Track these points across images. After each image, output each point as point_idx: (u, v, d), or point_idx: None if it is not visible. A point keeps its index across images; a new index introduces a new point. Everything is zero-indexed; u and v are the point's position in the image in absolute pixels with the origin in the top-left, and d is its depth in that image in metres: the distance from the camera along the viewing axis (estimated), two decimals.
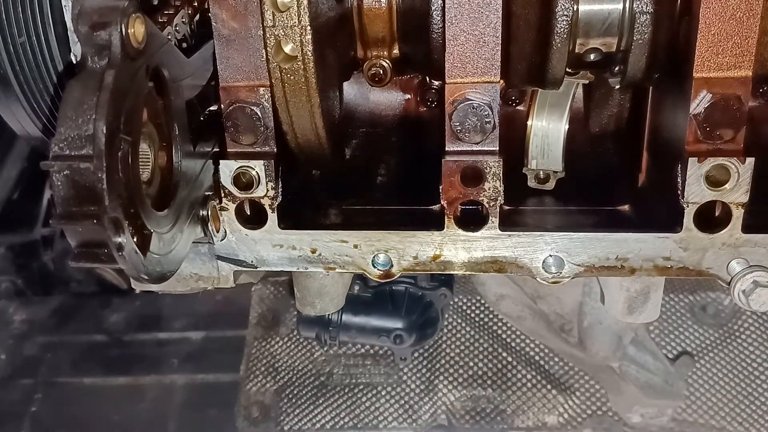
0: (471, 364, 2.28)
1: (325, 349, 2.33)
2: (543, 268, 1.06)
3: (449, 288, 2.23)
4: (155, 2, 1.07)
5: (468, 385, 2.24)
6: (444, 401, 2.22)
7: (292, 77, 0.99)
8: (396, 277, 1.08)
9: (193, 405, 2.26)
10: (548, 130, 1.21)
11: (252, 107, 1.02)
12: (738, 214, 0.99)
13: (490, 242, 1.06)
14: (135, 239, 0.82)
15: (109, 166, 0.77)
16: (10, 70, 0.97)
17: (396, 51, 1.12)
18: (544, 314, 2.22)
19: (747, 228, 1.00)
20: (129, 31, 0.82)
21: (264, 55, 0.98)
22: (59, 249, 2.63)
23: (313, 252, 1.09)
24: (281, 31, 0.96)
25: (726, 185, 0.97)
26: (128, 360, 2.40)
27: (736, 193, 0.98)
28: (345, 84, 1.26)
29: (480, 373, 2.26)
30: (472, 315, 2.37)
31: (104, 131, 0.76)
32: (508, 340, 2.32)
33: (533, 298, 2.22)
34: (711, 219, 1.01)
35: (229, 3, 0.97)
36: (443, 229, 1.05)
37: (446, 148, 1.02)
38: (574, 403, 2.19)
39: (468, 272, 1.08)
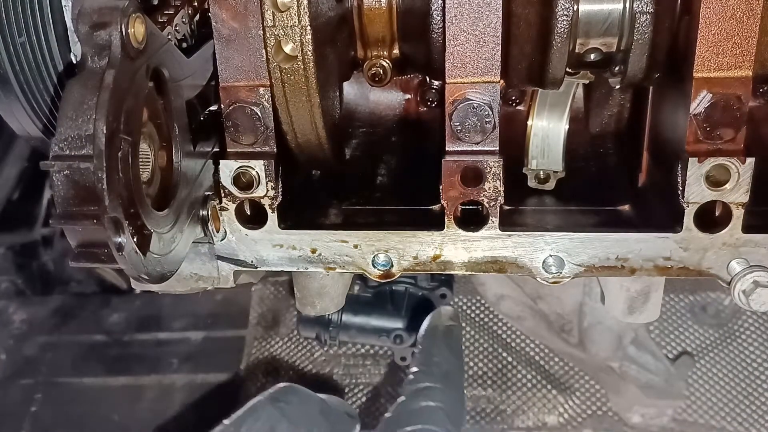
0: (471, 364, 2.27)
1: (325, 349, 2.33)
2: (543, 268, 1.06)
3: (449, 288, 2.23)
4: (155, 2, 1.07)
5: (468, 385, 2.24)
6: None
7: (292, 77, 0.99)
8: (396, 277, 1.08)
9: (193, 405, 2.26)
10: (548, 130, 1.21)
11: (252, 107, 1.02)
12: (738, 214, 0.99)
13: (490, 242, 1.06)
14: (135, 239, 0.82)
15: (109, 166, 0.77)
16: (10, 70, 0.97)
17: (396, 51, 1.12)
18: (544, 314, 2.22)
19: (747, 228, 1.00)
20: (129, 31, 0.82)
21: (264, 55, 0.98)
22: (59, 249, 2.63)
23: (313, 252, 1.09)
24: (281, 31, 0.96)
25: (726, 185, 0.97)
26: (128, 360, 2.40)
27: (737, 193, 0.98)
28: (345, 84, 1.26)
29: (480, 373, 2.26)
30: (472, 315, 2.37)
31: (104, 131, 0.76)
32: (508, 340, 2.32)
33: (533, 298, 2.22)
34: (711, 219, 1.01)
35: (229, 3, 0.97)
36: (443, 229, 1.05)
37: (446, 148, 1.02)
38: (574, 403, 2.19)
39: (468, 272, 1.08)
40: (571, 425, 2.16)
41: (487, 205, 1.03)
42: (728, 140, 0.97)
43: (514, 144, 1.21)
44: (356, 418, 0.92)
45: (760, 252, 1.01)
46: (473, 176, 1.01)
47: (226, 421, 0.80)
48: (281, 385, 0.85)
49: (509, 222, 1.07)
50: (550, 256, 1.06)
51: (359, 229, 1.08)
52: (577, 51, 1.02)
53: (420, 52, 1.09)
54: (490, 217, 1.04)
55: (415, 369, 0.94)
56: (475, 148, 1.01)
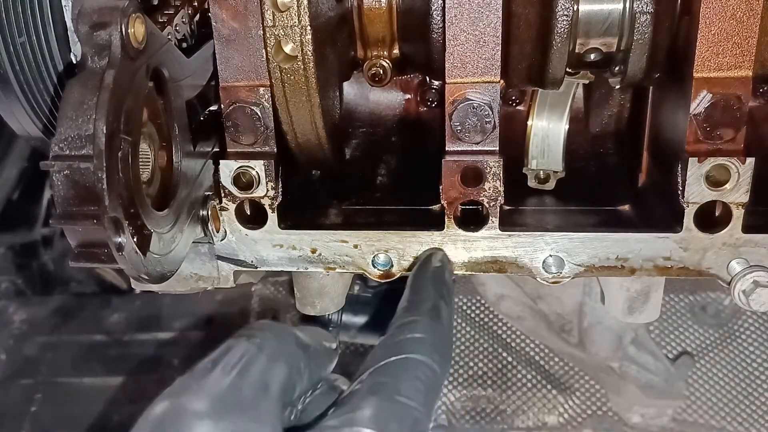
0: (471, 364, 2.27)
1: None
2: (543, 268, 1.06)
3: None
4: (155, 2, 1.07)
5: (468, 385, 2.24)
6: (444, 401, 2.21)
7: (292, 77, 0.99)
8: (396, 277, 1.08)
9: None
10: (548, 130, 1.21)
11: (252, 107, 1.02)
12: (738, 214, 0.99)
13: (490, 242, 1.06)
14: (135, 239, 0.82)
15: (109, 166, 0.77)
16: (10, 70, 0.97)
17: (396, 51, 1.12)
18: (544, 314, 2.22)
19: (747, 228, 1.00)
20: (129, 31, 0.82)
21: (264, 55, 0.98)
22: (59, 249, 2.63)
23: (313, 252, 1.09)
24: (281, 31, 0.96)
25: (726, 185, 0.97)
26: (128, 360, 2.40)
27: (737, 193, 0.98)
28: (345, 84, 1.26)
29: (480, 373, 2.26)
30: (472, 315, 2.37)
31: (104, 131, 0.76)
32: (508, 340, 2.32)
33: (533, 298, 2.22)
34: (711, 219, 1.01)
35: (229, 3, 0.97)
36: (443, 229, 1.05)
37: (446, 148, 1.02)
38: (574, 403, 2.19)
39: (468, 272, 1.08)
40: (571, 425, 2.16)
41: (487, 205, 1.03)
42: (728, 140, 0.97)
43: (514, 144, 1.21)
44: (336, 351, 0.91)
45: (760, 252, 1.01)
46: (473, 176, 1.02)
47: (204, 361, 0.80)
48: (255, 323, 0.85)
49: (509, 222, 1.07)
50: (550, 256, 1.06)
51: (359, 229, 1.08)
52: (577, 51, 1.02)
53: (420, 52, 1.09)
54: (490, 217, 1.04)
55: (401, 306, 0.94)
56: (475, 148, 1.01)
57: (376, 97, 1.32)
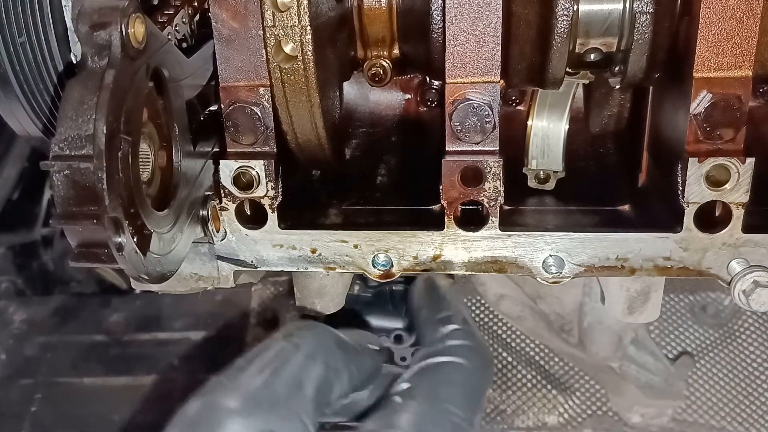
0: None
1: None
2: (543, 268, 1.06)
3: None
4: (155, 2, 1.07)
5: None
6: None
7: (292, 77, 0.99)
8: (396, 277, 1.08)
9: None
10: (548, 130, 1.21)
11: (252, 107, 1.02)
12: (738, 214, 0.99)
13: (490, 242, 1.06)
14: (135, 239, 0.82)
15: (109, 166, 0.77)
16: (10, 70, 0.97)
17: (396, 51, 1.12)
18: (544, 314, 2.22)
19: (747, 228, 1.00)
20: (129, 31, 0.82)
21: (264, 55, 0.98)
22: (59, 249, 2.63)
23: (313, 252, 1.09)
24: (281, 31, 0.96)
25: (726, 185, 0.97)
26: (128, 360, 2.39)
27: (737, 193, 0.98)
28: (345, 84, 1.26)
29: None
30: (473, 315, 2.37)
31: (104, 131, 0.76)
32: (508, 340, 2.32)
33: (533, 298, 2.22)
34: (711, 219, 1.01)
35: (229, 3, 0.97)
36: (443, 229, 1.05)
37: (446, 148, 1.02)
38: (574, 403, 2.19)
39: (468, 272, 1.08)
40: (571, 425, 2.16)
41: (487, 205, 1.03)
42: (728, 140, 0.97)
43: (514, 144, 1.21)
44: (381, 352, 0.91)
45: (760, 252, 1.01)
46: (473, 176, 1.02)
47: (239, 360, 0.80)
48: (295, 322, 0.86)
49: (509, 222, 1.07)
50: (550, 256, 1.06)
51: (359, 229, 1.08)
52: (577, 51, 1.02)
53: (420, 52, 1.09)
54: (490, 217, 1.04)
55: (430, 319, 0.94)
56: (475, 148, 1.01)
57: (376, 97, 1.32)
